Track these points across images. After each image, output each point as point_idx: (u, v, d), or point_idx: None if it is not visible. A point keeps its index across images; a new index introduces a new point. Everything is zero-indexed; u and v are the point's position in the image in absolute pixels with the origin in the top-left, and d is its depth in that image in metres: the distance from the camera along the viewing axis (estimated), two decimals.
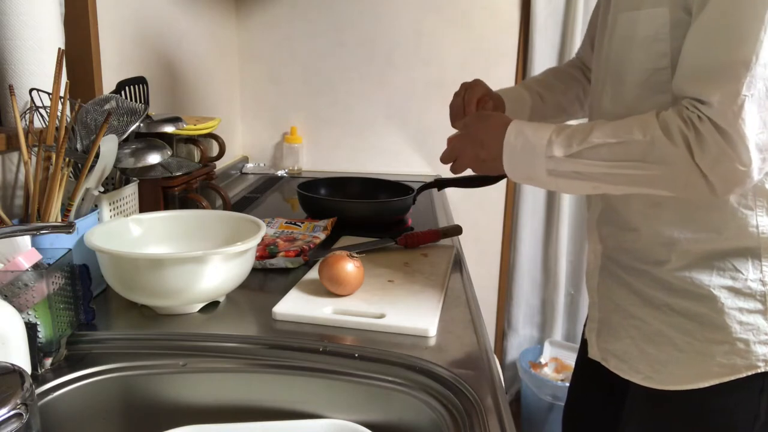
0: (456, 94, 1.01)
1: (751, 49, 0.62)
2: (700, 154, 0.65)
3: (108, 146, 0.85)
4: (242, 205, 1.56)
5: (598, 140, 0.71)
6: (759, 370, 0.75)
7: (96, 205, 0.90)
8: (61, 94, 0.84)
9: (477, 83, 1.00)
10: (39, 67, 0.92)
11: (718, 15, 0.65)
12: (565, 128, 0.75)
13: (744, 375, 0.75)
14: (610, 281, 0.88)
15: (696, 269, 0.77)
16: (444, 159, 0.91)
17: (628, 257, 0.85)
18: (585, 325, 0.97)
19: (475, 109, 0.97)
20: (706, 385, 0.77)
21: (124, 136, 0.91)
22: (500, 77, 2.04)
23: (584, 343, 0.97)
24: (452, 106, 1.02)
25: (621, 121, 0.72)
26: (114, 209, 0.94)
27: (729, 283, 0.75)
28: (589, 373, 0.98)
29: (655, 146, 0.67)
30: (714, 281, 0.76)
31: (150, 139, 1.03)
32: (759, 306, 0.74)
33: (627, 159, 0.69)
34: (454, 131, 0.93)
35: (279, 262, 1.03)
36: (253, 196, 1.70)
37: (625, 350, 0.85)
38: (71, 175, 0.87)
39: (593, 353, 0.92)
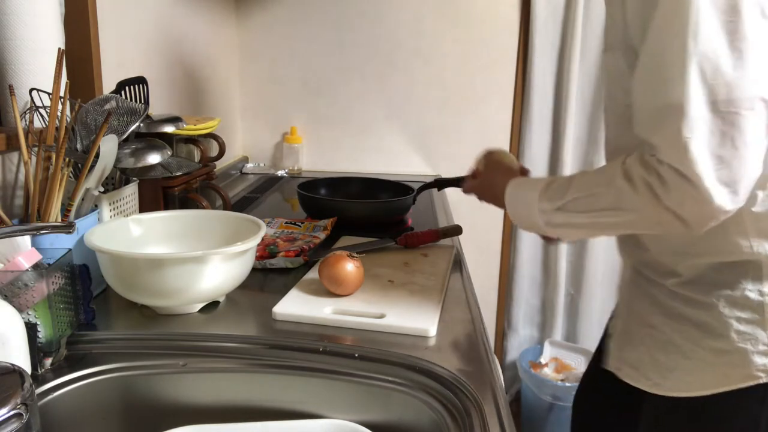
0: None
1: (680, 91, 0.62)
2: (667, 197, 0.65)
3: (108, 146, 0.85)
4: (242, 205, 1.56)
5: (574, 194, 0.75)
6: (760, 381, 0.74)
7: (96, 205, 0.90)
8: (61, 94, 0.84)
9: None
10: (39, 67, 0.92)
11: (649, 58, 0.66)
12: (553, 182, 0.79)
13: (745, 385, 0.75)
14: (637, 293, 0.90)
15: (701, 281, 0.78)
16: (468, 191, 1.03)
17: (647, 270, 0.87)
18: (604, 335, 0.97)
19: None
20: (708, 393, 0.77)
21: (124, 136, 0.91)
22: (500, 77, 2.04)
23: (598, 351, 0.97)
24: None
25: (592, 172, 0.76)
26: (114, 209, 0.94)
27: (727, 291, 0.75)
28: (598, 381, 0.98)
29: (621, 195, 0.70)
30: (714, 290, 0.77)
31: (150, 139, 1.03)
32: (756, 316, 0.74)
33: (600, 209, 0.72)
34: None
35: (279, 262, 1.03)
36: (253, 196, 1.70)
37: (639, 358, 0.86)
38: (71, 175, 0.87)
39: (611, 364, 0.92)
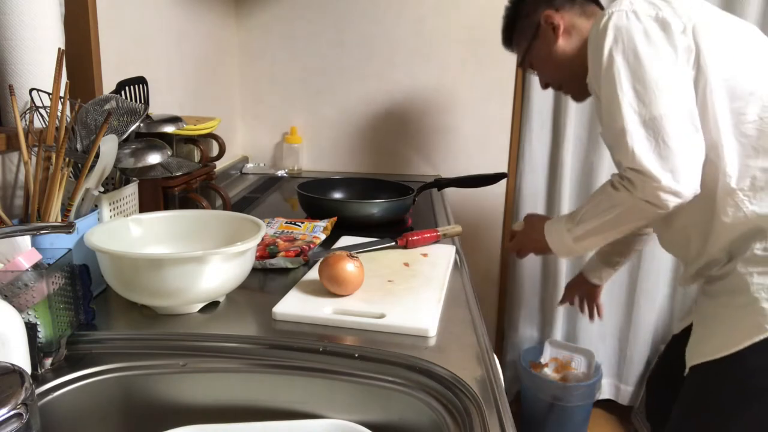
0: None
1: (620, 119, 0.94)
2: (635, 190, 0.95)
3: (108, 146, 0.85)
4: (242, 205, 1.56)
5: (585, 208, 1.06)
6: None
7: (96, 205, 0.90)
8: (61, 94, 0.84)
9: None
10: (39, 67, 0.92)
11: (604, 106, 0.98)
12: (572, 211, 1.09)
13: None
14: (700, 296, 1.08)
15: (729, 258, 0.97)
16: (510, 250, 1.28)
17: (703, 271, 1.05)
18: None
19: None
20: (736, 349, 0.91)
21: (124, 136, 0.91)
22: (500, 78, 2.04)
23: (674, 340, 1.22)
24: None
25: (595, 191, 1.07)
26: (114, 209, 0.94)
27: (744, 254, 0.94)
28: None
29: (611, 196, 1.00)
30: (735, 258, 0.96)
31: (150, 139, 1.03)
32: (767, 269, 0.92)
33: (601, 211, 1.02)
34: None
35: (279, 262, 1.03)
36: (253, 196, 1.70)
37: (690, 342, 1.03)
38: (71, 175, 0.87)
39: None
